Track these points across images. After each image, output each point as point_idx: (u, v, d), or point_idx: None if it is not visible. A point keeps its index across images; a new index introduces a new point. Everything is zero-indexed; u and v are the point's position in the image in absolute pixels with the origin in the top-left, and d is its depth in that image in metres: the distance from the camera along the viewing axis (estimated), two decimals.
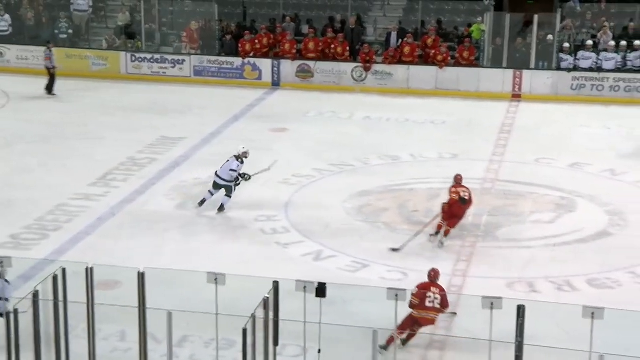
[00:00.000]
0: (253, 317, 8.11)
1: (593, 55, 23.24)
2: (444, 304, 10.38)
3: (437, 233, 13.69)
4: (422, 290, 10.30)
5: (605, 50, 23.29)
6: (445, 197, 13.97)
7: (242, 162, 14.89)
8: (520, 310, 7.34)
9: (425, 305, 10.19)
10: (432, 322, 10.30)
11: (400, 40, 24.44)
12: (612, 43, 23.30)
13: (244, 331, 7.99)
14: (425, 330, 10.35)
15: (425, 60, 24.10)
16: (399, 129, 20.44)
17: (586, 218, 14.71)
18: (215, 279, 8.33)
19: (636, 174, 16.93)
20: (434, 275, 10.51)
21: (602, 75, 22.99)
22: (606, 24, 24.12)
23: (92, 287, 8.57)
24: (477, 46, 24.19)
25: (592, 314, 7.52)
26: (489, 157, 17.92)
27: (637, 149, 18.57)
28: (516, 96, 23.18)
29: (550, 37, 23.71)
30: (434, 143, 19.03)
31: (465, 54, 23.78)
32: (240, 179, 14.88)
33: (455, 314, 10.93)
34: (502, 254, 13.26)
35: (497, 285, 11.68)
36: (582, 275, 12.38)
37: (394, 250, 13.27)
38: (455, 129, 20.40)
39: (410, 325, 10.16)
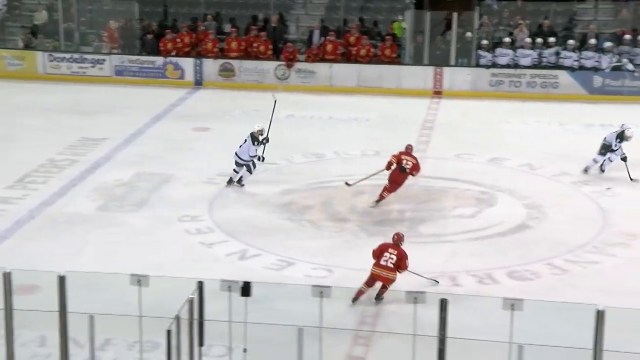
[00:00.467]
0: (177, 318, 8.03)
1: (510, 52, 23.69)
2: (400, 265, 11.22)
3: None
4: (381, 250, 11.33)
5: (522, 47, 23.78)
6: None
7: (259, 143, 15.62)
8: (443, 304, 7.44)
9: (380, 263, 11.20)
10: (386, 280, 11.18)
11: (322, 38, 24.53)
12: (528, 40, 23.80)
13: (168, 332, 7.90)
14: (349, 324, 10.50)
15: (347, 57, 24.23)
16: (322, 126, 20.51)
17: (506, 212, 15.00)
18: (139, 281, 8.21)
19: (553, 167, 17.33)
20: (397, 238, 11.52)
21: (519, 71, 23.48)
22: (522, 21, 24.64)
23: (10, 293, 8.37)
24: (398, 44, 24.44)
25: (512, 305, 7.66)
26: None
27: (553, 143, 19.02)
28: (437, 93, 23.51)
29: (469, 34, 24.10)
30: (357, 140, 19.15)
31: (387, 52, 23.99)
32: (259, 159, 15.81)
33: (437, 282, 11.60)
34: (425, 249, 13.43)
35: (420, 279, 11.83)
36: (502, 267, 12.64)
37: (347, 184, 15.35)
38: (378, 126, 20.57)
39: (371, 281, 11.23)
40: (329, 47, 24.12)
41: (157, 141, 18.80)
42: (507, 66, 23.52)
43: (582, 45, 23.66)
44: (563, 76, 23.27)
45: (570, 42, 23.55)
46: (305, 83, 23.97)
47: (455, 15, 23.94)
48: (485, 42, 23.83)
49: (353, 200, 15.23)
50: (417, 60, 24.18)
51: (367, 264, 11.71)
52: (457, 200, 15.59)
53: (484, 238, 13.89)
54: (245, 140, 15.60)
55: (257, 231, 13.93)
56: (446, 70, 23.60)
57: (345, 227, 14.14)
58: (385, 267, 11.20)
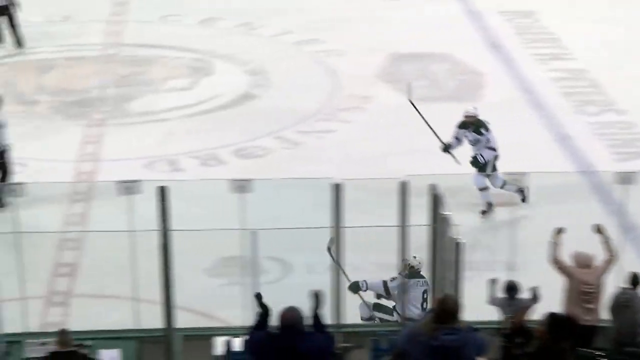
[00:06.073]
0: None
1: None
2: None
3: None
4: None
5: None
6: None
7: None
8: (162, 192, 7.53)
9: None
10: None
11: None
12: None
13: None
14: (55, 227, 10.57)
15: None
16: None
17: (225, 81, 15.31)
18: None
19: (273, 25, 17.58)
20: None
21: None
22: None
23: None
24: None
25: (241, 187, 7.85)
26: (107, 16, 17.80)
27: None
28: None
29: None
30: (38, 2, 18.27)
31: None
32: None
33: None
34: (136, 130, 13.51)
35: (134, 166, 11.95)
36: (227, 145, 13.00)
37: None
38: None
39: None
40: None
41: None
42: None
43: None
44: None
45: None
46: None
47: None
48: None
49: (40, 78, 14.87)
50: None
51: (65, 153, 11.61)
52: (168, 70, 15.66)
53: (203, 113, 14.15)
54: None
55: None
56: None
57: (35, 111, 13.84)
58: None
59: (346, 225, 7.66)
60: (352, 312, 8.51)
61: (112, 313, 9.10)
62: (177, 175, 11.94)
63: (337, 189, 7.52)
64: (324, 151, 12.98)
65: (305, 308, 6.39)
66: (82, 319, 9.03)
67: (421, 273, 8.64)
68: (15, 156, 11.69)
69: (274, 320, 6.38)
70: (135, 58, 16.04)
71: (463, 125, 11.30)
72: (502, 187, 11.24)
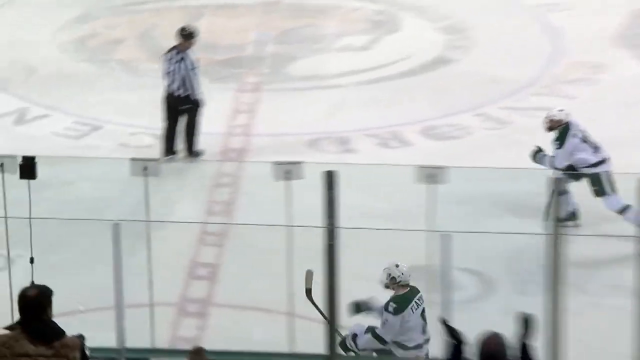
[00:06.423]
0: None
1: None
2: None
3: None
4: None
5: None
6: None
7: None
8: (330, 178, 7.48)
9: None
10: None
11: None
12: None
13: None
14: (193, 216, 10.79)
15: None
16: None
17: (415, 40, 15.19)
18: None
19: None
20: None
21: None
22: None
23: None
24: None
25: (431, 176, 7.84)
26: None
27: None
28: None
29: None
30: None
31: None
32: None
33: None
34: (299, 98, 13.56)
35: (295, 143, 12.00)
36: (414, 122, 12.82)
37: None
38: None
39: None
40: None
41: None
42: None
43: None
44: None
45: None
46: None
47: None
48: None
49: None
50: None
51: (211, 124, 11.90)
52: (343, 24, 15.73)
53: (385, 80, 14.03)
54: None
55: (41, 81, 13.93)
56: None
57: None
58: None
59: (567, 233, 7.40)
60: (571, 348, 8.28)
61: (260, 330, 9.14)
62: (349, 158, 11.91)
63: (556, 183, 7.32)
64: (538, 134, 12.63)
65: (511, 336, 6.28)
66: (222, 335, 9.12)
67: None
68: (152, 126, 12.13)
69: (470, 350, 6.27)
70: (302, 8, 16.26)
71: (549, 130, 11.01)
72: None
